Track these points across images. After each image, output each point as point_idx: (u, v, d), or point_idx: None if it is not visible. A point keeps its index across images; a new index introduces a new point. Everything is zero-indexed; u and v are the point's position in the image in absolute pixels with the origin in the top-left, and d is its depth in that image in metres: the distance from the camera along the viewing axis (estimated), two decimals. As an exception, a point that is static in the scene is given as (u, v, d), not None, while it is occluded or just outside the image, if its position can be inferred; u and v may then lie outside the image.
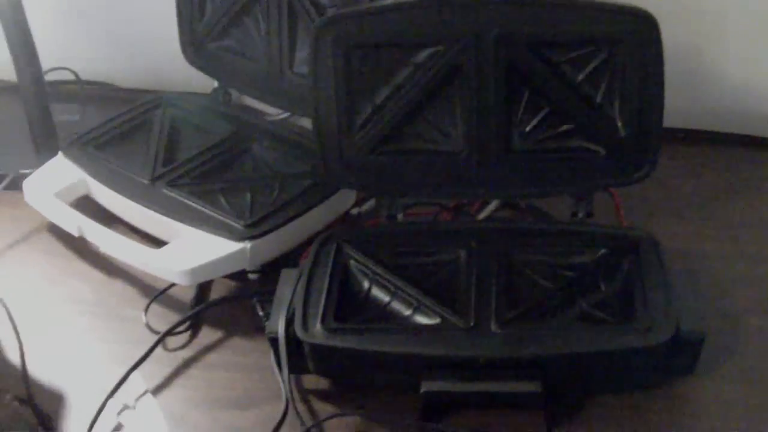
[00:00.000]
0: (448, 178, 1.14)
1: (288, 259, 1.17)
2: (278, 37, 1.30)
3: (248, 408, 1.04)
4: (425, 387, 0.97)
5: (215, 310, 1.17)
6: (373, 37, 1.11)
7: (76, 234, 1.23)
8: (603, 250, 1.08)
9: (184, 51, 1.38)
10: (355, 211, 1.26)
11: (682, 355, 0.99)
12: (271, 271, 1.15)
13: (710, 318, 1.04)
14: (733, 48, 1.33)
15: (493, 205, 1.25)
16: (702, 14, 1.31)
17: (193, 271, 1.13)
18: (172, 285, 1.18)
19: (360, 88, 1.12)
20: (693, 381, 1.03)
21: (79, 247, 1.26)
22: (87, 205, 1.27)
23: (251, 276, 1.19)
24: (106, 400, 1.04)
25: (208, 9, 1.36)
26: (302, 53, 1.28)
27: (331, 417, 1.01)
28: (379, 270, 1.08)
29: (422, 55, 1.10)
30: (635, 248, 1.07)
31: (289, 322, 1.02)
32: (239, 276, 1.19)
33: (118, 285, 1.22)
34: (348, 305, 1.05)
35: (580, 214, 1.14)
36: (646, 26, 1.05)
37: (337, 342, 1.00)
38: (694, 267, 1.08)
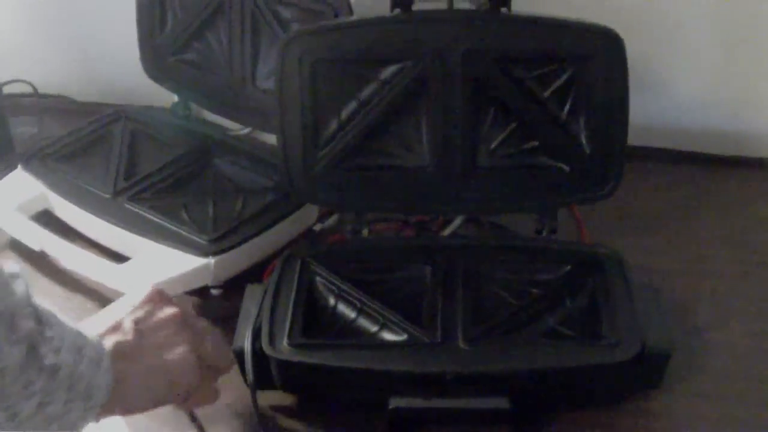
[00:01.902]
0: (414, 193, 1.14)
1: (249, 275, 1.16)
2: (241, 51, 1.29)
3: (214, 424, 1.03)
4: (393, 404, 0.97)
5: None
6: (339, 52, 1.11)
7: (36, 249, 1.21)
8: (568, 267, 1.09)
9: (144, 64, 1.38)
10: (317, 227, 1.26)
11: (648, 371, 1.00)
12: (232, 287, 1.15)
13: (675, 334, 1.04)
14: (694, 65, 1.35)
15: (457, 221, 1.25)
16: (664, 31, 1.32)
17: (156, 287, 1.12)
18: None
19: (326, 103, 1.12)
20: (661, 396, 1.03)
21: (40, 262, 1.24)
22: (47, 220, 1.26)
23: (214, 292, 1.18)
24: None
25: (169, 22, 1.35)
26: (265, 68, 1.28)
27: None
28: (344, 286, 1.08)
29: (388, 70, 1.11)
30: (600, 265, 1.07)
31: (255, 338, 1.01)
32: (201, 292, 1.17)
33: (80, 300, 1.20)
34: (314, 321, 1.05)
35: (545, 231, 1.14)
36: (611, 44, 1.06)
37: (305, 357, 0.99)
38: (658, 284, 1.08)
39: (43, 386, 0.78)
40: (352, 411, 1.02)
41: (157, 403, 0.92)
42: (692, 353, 1.07)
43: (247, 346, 1.00)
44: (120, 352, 0.88)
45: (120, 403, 0.87)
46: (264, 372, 1.00)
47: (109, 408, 0.85)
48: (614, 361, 0.97)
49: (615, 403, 1.02)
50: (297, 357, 0.99)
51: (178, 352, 0.92)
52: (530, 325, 1.04)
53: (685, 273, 1.19)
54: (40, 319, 0.80)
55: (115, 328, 0.91)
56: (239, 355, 1.01)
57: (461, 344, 1.00)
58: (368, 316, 1.05)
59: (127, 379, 0.87)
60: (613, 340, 0.99)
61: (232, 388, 1.04)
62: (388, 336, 1.03)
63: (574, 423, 1.01)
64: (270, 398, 1.04)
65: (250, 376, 1.00)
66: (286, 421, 1.03)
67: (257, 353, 1.00)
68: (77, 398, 0.81)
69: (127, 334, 0.90)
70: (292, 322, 1.02)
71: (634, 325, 0.99)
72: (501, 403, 0.96)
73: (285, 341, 1.00)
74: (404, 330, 1.02)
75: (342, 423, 1.02)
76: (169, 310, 0.95)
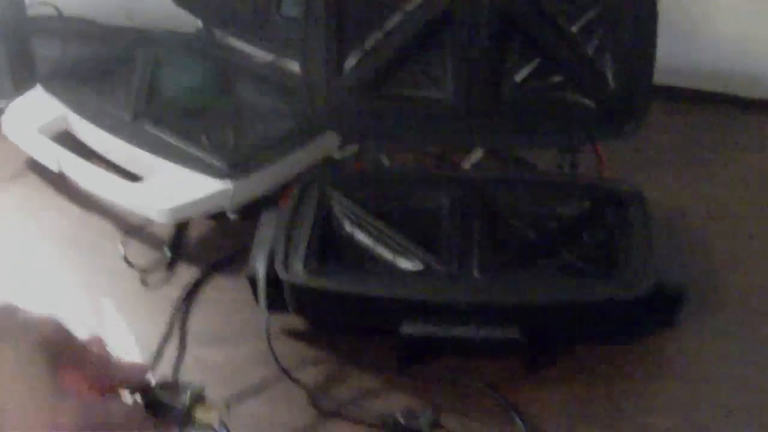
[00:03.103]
0: (436, 125, 1.14)
1: (268, 203, 1.16)
2: (265, -23, 1.28)
3: (224, 346, 1.04)
4: (404, 330, 0.96)
5: (194, 249, 1.16)
6: (365, -20, 1.10)
7: (55, 169, 1.21)
8: (588, 202, 1.08)
9: (170, -12, 1.37)
10: (337, 155, 1.25)
11: (662, 309, 0.99)
12: (250, 215, 1.14)
13: (692, 273, 1.04)
14: (724, 4, 1.33)
15: (479, 153, 1.24)
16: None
17: (175, 209, 1.12)
18: (151, 222, 1.16)
19: (350, 31, 1.11)
20: (672, 336, 1.03)
21: (58, 182, 1.24)
22: (66, 141, 1.25)
23: (232, 217, 1.17)
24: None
25: (195, -55, 1.34)
26: (289, -6, 1.27)
27: (309, 359, 1.01)
28: (362, 214, 1.07)
29: (415, 1, 1.09)
30: (620, 201, 1.06)
31: (270, 262, 1.01)
32: (218, 218, 1.17)
33: (97, 220, 1.20)
34: (330, 248, 1.05)
35: (566, 167, 1.13)
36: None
37: (319, 283, 0.99)
38: (676, 223, 1.08)
39: None
40: (364, 337, 1.03)
41: None
42: (709, 293, 1.07)
43: (261, 270, 1.00)
44: None
45: None
46: (277, 296, 1.00)
47: None
48: (629, 298, 0.96)
49: (630, 342, 1.02)
50: (311, 282, 0.99)
51: None
52: (546, 258, 1.04)
53: (705, 214, 1.18)
54: None
55: None
56: (252, 281, 1.01)
57: (476, 274, 0.99)
58: (385, 244, 1.04)
59: None
60: (629, 276, 0.98)
61: (244, 310, 1.04)
62: (404, 264, 1.03)
63: (585, 359, 1.01)
64: (282, 322, 1.04)
65: (262, 301, 1.00)
66: (296, 346, 1.03)
67: (270, 278, 1.00)
68: None
69: None
70: (307, 248, 1.02)
71: (651, 263, 0.99)
72: (512, 333, 0.95)
73: (299, 266, 1.00)
74: (420, 259, 1.02)
75: (354, 349, 1.02)
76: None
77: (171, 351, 1.04)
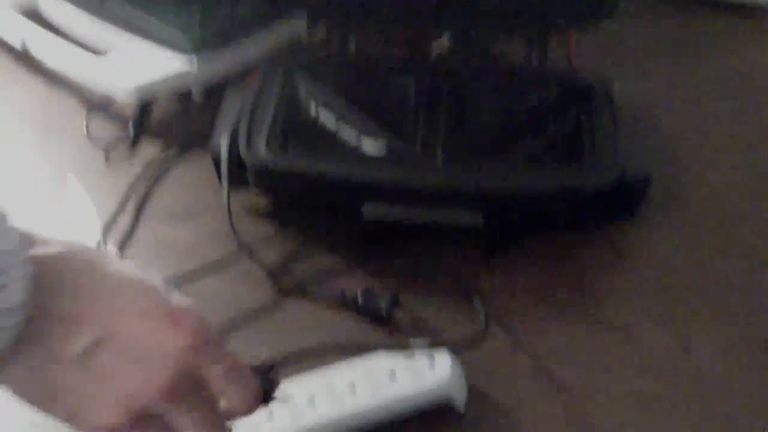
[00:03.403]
0: (404, 8, 1.12)
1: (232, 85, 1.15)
2: None
3: (186, 223, 1.03)
4: (367, 213, 0.96)
5: (158, 127, 1.15)
6: None
7: (19, 47, 1.20)
8: (555, 92, 1.07)
9: None
10: (304, 39, 1.23)
11: (624, 200, 1.00)
12: (215, 97, 1.12)
13: (657, 166, 1.04)
14: None
15: (446, 43, 1.22)
16: None
17: (139, 87, 1.11)
18: (115, 100, 1.15)
19: None
20: (631, 229, 1.03)
21: (23, 59, 1.22)
22: (33, 18, 1.23)
23: (196, 98, 1.16)
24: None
25: None
26: None
27: (270, 238, 1.01)
28: (328, 96, 1.06)
29: None
30: (588, 92, 1.06)
31: (232, 141, 1.00)
32: (183, 100, 1.16)
33: (61, 97, 1.19)
34: (294, 129, 1.04)
35: (534, 58, 1.12)
36: None
37: (280, 163, 0.99)
38: (645, 117, 1.08)
39: None
40: (326, 219, 1.03)
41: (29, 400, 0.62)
42: (672, 187, 1.07)
43: (224, 148, 1.00)
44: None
45: None
46: (240, 174, 1.00)
47: None
48: (592, 187, 0.97)
49: (590, 231, 1.02)
50: (272, 162, 0.98)
51: (124, 385, 0.61)
52: (512, 146, 1.03)
53: (673, 110, 1.18)
54: None
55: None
56: (215, 158, 1.00)
57: (440, 159, 0.99)
58: (349, 126, 1.03)
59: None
60: (594, 166, 0.98)
61: (206, 187, 1.03)
62: (368, 147, 1.02)
63: (545, 248, 1.01)
64: (244, 201, 1.04)
65: (224, 179, 1.00)
66: (259, 224, 1.03)
67: (233, 156, 0.99)
68: None
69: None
70: (271, 128, 1.01)
71: (616, 153, 0.99)
72: (475, 219, 0.95)
73: (262, 146, 0.99)
74: (384, 142, 1.01)
75: (316, 230, 1.02)
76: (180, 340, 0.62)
77: (127, 224, 1.04)
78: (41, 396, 0.60)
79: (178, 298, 0.63)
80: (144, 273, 0.63)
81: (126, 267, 0.63)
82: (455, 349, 0.87)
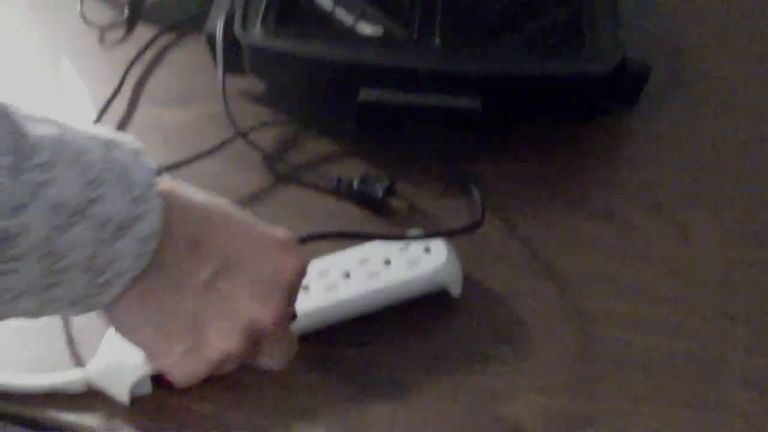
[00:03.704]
0: None
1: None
2: None
3: (181, 106, 1.02)
4: (362, 95, 0.95)
5: (153, 9, 1.13)
6: None
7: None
8: (556, -25, 1.05)
9: None
10: None
11: (625, 87, 0.98)
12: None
13: (659, 53, 1.02)
14: None
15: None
16: None
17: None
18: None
19: None
20: (632, 117, 1.02)
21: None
22: None
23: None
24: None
25: None
26: None
27: (266, 123, 1.00)
28: (325, -22, 1.04)
29: None
30: (589, -25, 1.03)
31: (227, 23, 0.98)
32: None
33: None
34: (290, 11, 1.01)
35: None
36: None
37: (275, 45, 0.97)
38: (647, 4, 1.05)
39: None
40: (323, 103, 1.01)
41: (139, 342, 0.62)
42: (672, 75, 1.05)
43: (219, 29, 0.98)
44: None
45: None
46: (236, 58, 0.98)
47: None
48: (593, 72, 0.95)
49: (589, 120, 1.01)
50: (267, 43, 0.97)
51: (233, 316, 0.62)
52: (511, 30, 1.01)
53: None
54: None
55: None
56: (211, 40, 0.99)
57: (438, 42, 0.97)
58: (345, 8, 1.01)
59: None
60: (595, 51, 0.96)
61: (203, 71, 1.02)
62: (365, 29, 1.00)
63: (543, 135, 1.00)
64: (240, 85, 1.03)
65: (220, 61, 0.98)
66: (255, 108, 1.02)
67: (229, 38, 0.98)
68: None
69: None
70: (266, 9, 0.99)
71: (617, 38, 0.97)
72: (473, 104, 0.94)
73: (258, 27, 0.97)
74: (381, 24, 0.99)
75: (312, 114, 1.02)
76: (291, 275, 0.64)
77: (122, 108, 1.03)
78: (169, 324, 0.61)
79: (281, 230, 0.65)
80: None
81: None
82: (451, 234, 0.86)
